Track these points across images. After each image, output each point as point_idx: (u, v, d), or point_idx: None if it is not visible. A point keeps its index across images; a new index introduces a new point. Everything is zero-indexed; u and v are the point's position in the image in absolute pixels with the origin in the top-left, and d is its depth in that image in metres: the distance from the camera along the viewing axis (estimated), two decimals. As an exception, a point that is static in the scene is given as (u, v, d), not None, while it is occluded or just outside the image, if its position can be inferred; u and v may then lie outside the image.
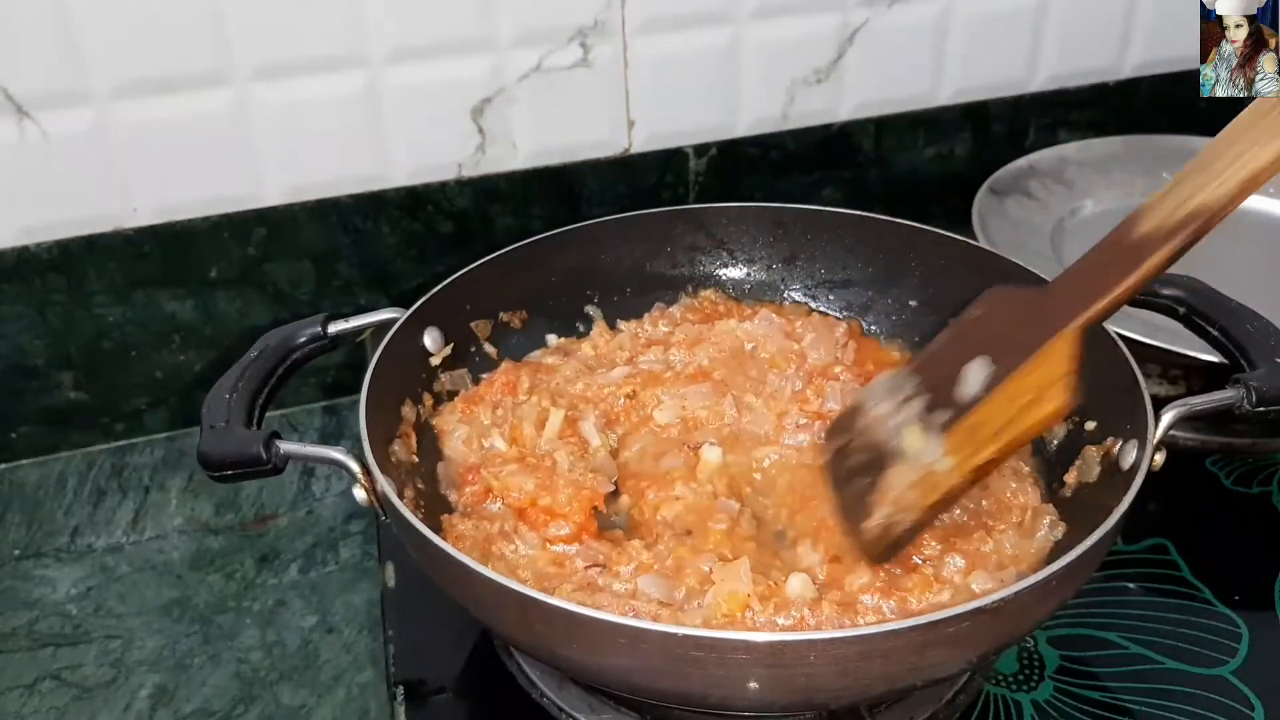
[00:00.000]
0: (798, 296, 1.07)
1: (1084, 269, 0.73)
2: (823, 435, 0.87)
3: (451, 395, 0.94)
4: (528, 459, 0.86)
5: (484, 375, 0.96)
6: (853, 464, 0.79)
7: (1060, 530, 0.81)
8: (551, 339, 1.02)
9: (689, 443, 0.89)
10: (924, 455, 0.73)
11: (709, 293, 1.06)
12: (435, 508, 0.85)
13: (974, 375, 0.72)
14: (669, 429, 0.91)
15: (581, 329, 1.03)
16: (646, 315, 1.04)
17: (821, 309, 1.06)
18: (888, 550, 0.76)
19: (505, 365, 0.97)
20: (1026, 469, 0.87)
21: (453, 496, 0.86)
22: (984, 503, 0.83)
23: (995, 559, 0.78)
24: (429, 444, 0.90)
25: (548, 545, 0.80)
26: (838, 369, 0.95)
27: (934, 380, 0.74)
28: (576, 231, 1.03)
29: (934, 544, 0.78)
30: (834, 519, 0.80)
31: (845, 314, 1.05)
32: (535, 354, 1.00)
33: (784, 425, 0.91)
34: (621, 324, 1.03)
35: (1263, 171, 0.65)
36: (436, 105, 1.08)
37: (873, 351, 1.01)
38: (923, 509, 0.74)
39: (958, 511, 0.81)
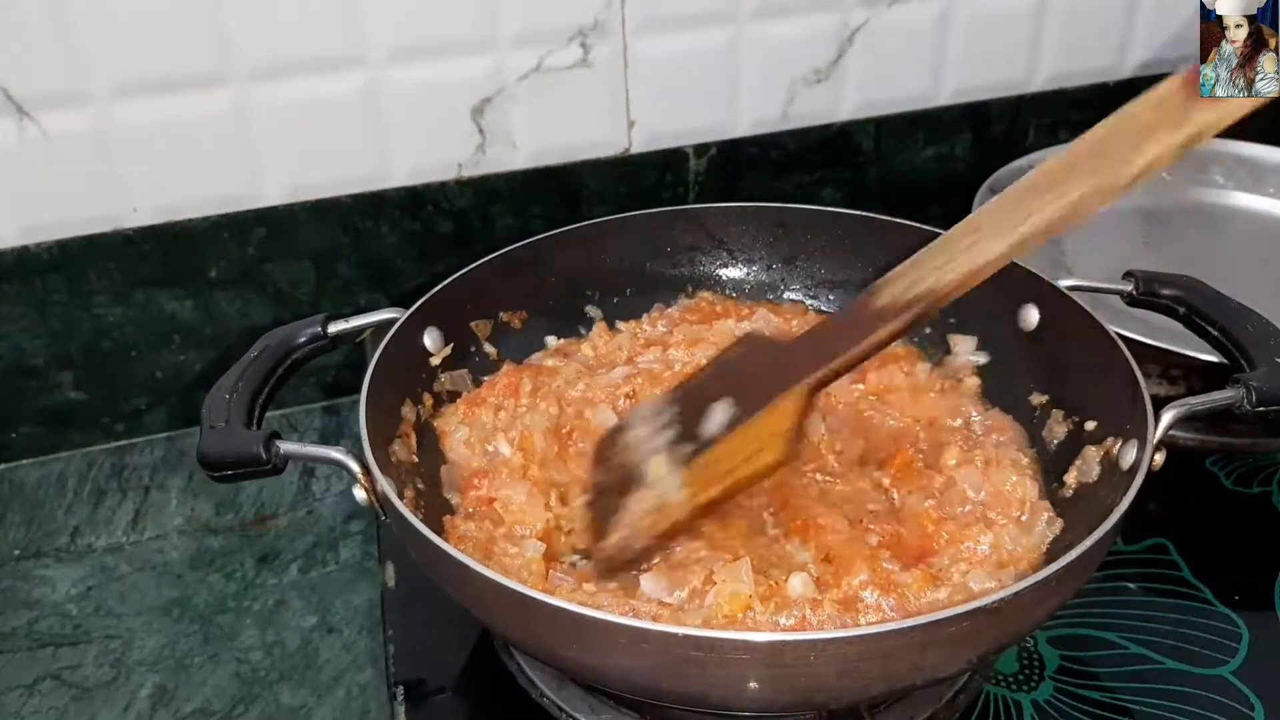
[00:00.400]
0: (798, 296, 1.07)
1: (824, 331, 0.77)
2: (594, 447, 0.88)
3: (452, 395, 0.94)
4: (531, 470, 0.86)
5: (484, 376, 0.96)
6: (607, 482, 0.81)
7: (1058, 526, 0.81)
8: (551, 340, 1.02)
9: None
10: (663, 484, 0.76)
11: (706, 294, 1.06)
12: (435, 508, 0.85)
13: (718, 414, 0.74)
14: None
15: (581, 329, 1.03)
16: (645, 316, 1.04)
17: (821, 308, 1.06)
18: (615, 570, 0.77)
19: (507, 368, 0.97)
20: (1025, 461, 0.87)
21: (455, 499, 0.86)
22: (983, 494, 0.83)
23: (995, 557, 0.78)
24: (429, 444, 0.90)
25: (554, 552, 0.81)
26: None
27: (686, 412, 0.77)
28: (576, 231, 1.03)
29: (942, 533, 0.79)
30: (822, 519, 0.81)
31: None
32: (535, 356, 1.00)
33: None
34: (620, 324, 1.03)
35: (982, 269, 0.68)
36: (436, 105, 1.08)
37: None
38: (652, 535, 0.76)
39: (960, 509, 0.82)
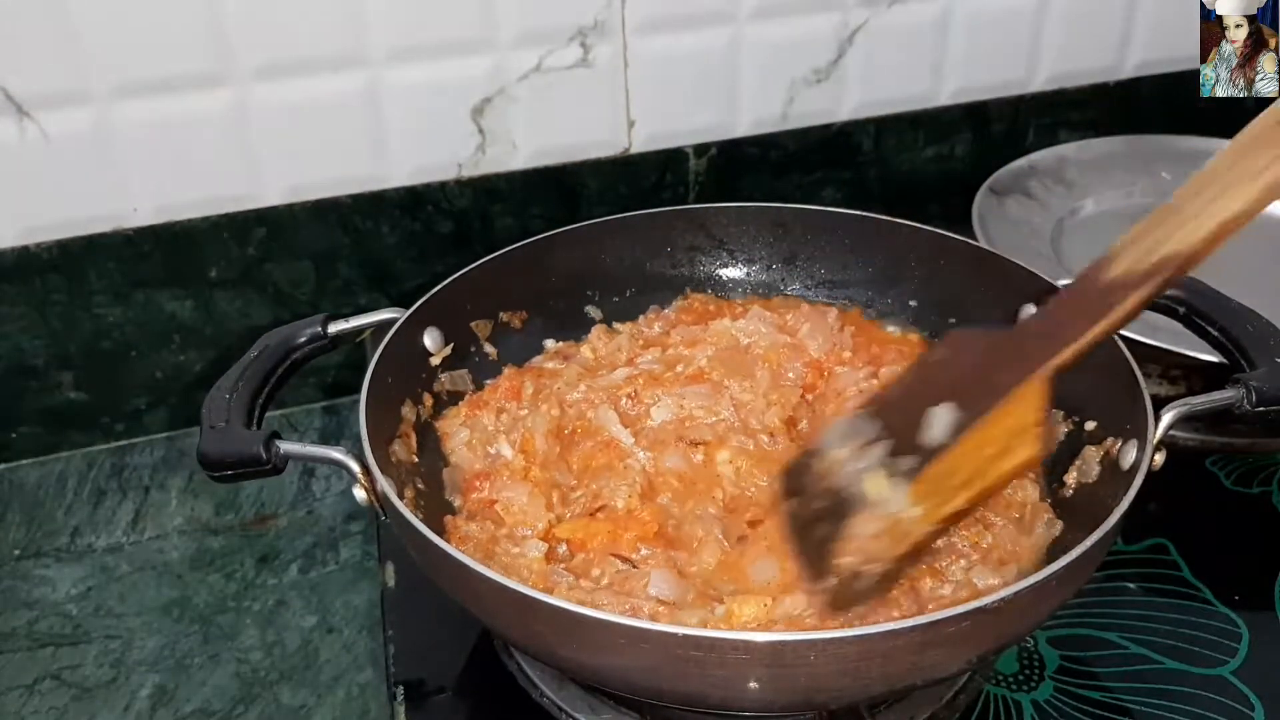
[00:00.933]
0: (798, 296, 1.07)
1: (1054, 312, 0.71)
2: (779, 479, 0.83)
3: (452, 395, 0.94)
4: (532, 472, 0.86)
5: (485, 376, 0.96)
6: (812, 511, 0.75)
7: (1057, 528, 0.81)
8: (550, 344, 1.02)
9: (685, 438, 0.89)
10: (890, 504, 0.70)
11: (698, 295, 1.06)
12: (435, 508, 0.85)
13: (940, 420, 0.69)
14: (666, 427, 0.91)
15: (582, 329, 1.03)
16: (642, 317, 1.04)
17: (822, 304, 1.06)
18: (851, 601, 0.72)
19: (508, 371, 0.97)
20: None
21: (456, 501, 0.86)
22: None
23: (996, 555, 0.78)
24: (430, 445, 0.90)
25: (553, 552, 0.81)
26: (845, 353, 0.97)
27: (896, 424, 0.71)
28: (576, 231, 1.02)
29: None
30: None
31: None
32: (535, 359, 1.00)
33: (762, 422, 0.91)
34: (619, 325, 1.03)
35: (1232, 221, 0.63)
36: (436, 105, 1.08)
37: (873, 333, 1.02)
38: (891, 559, 0.71)
39: None
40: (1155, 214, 0.65)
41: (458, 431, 0.90)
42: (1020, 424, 0.67)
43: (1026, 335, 0.70)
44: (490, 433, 0.90)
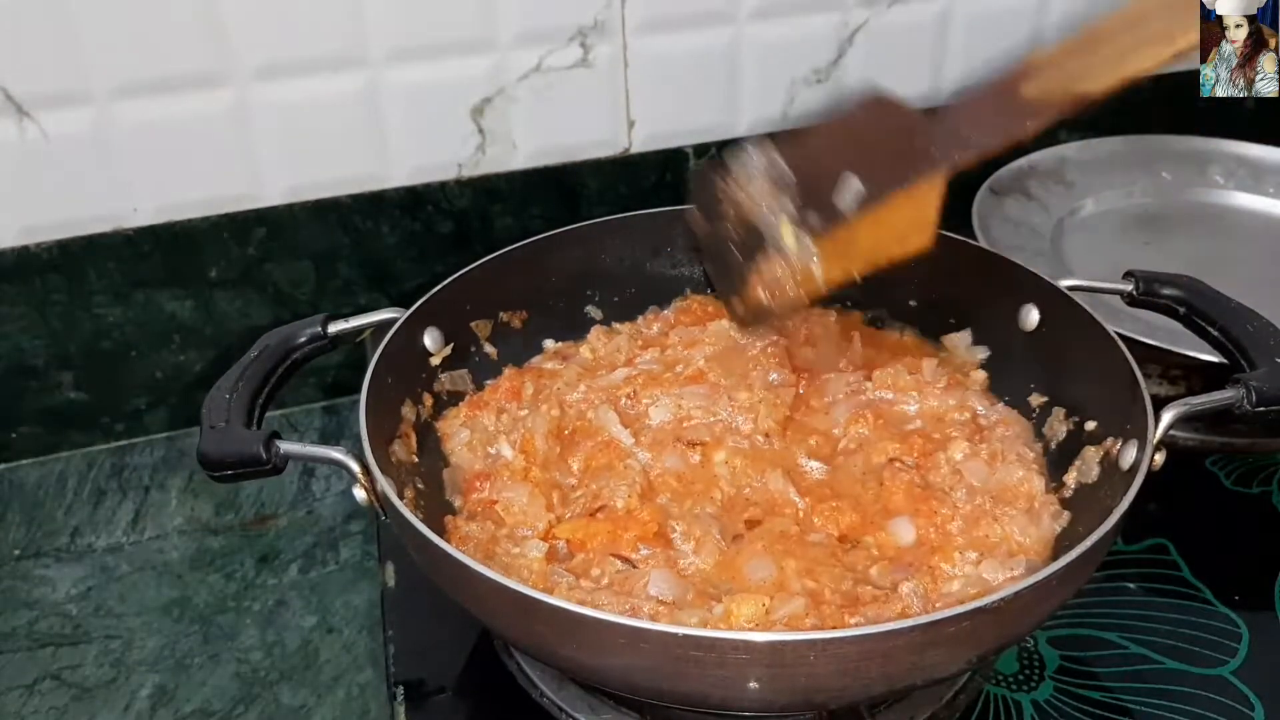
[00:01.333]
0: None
1: (965, 112, 0.73)
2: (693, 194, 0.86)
3: (452, 395, 0.94)
4: (533, 472, 0.86)
5: (485, 376, 0.96)
6: (727, 236, 0.79)
7: (1065, 519, 0.81)
8: (549, 344, 1.02)
9: (683, 438, 0.90)
10: (800, 255, 0.74)
11: (698, 296, 1.06)
12: (435, 508, 0.85)
13: (847, 187, 0.72)
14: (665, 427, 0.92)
15: (582, 329, 1.03)
16: (640, 318, 1.04)
17: (820, 308, 1.06)
18: (756, 320, 0.79)
19: (509, 371, 0.97)
20: (1031, 456, 0.87)
21: (457, 501, 0.86)
22: (990, 487, 0.83)
23: (1005, 547, 0.79)
24: (430, 445, 0.90)
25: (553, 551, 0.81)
26: (842, 364, 0.97)
27: (807, 175, 0.74)
28: (576, 231, 1.02)
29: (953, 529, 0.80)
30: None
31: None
32: (534, 360, 1.00)
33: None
34: (618, 326, 1.03)
35: (1140, 74, 0.67)
36: (436, 105, 1.08)
37: (871, 336, 1.02)
38: (794, 299, 0.76)
39: (968, 505, 0.82)
40: (1076, 41, 0.68)
41: (458, 432, 0.90)
42: (917, 217, 0.70)
43: (935, 128, 0.71)
44: (490, 433, 0.90)
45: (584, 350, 1.00)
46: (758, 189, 0.76)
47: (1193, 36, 0.64)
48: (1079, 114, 0.69)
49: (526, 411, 0.92)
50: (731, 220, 0.78)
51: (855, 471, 0.87)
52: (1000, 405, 0.93)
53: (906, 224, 0.70)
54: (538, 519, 0.82)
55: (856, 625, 0.71)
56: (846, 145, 0.73)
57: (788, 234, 0.74)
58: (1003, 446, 0.87)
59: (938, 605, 0.74)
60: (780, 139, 0.78)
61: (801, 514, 0.83)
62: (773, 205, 0.75)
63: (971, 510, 0.82)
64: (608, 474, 0.85)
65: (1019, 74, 0.68)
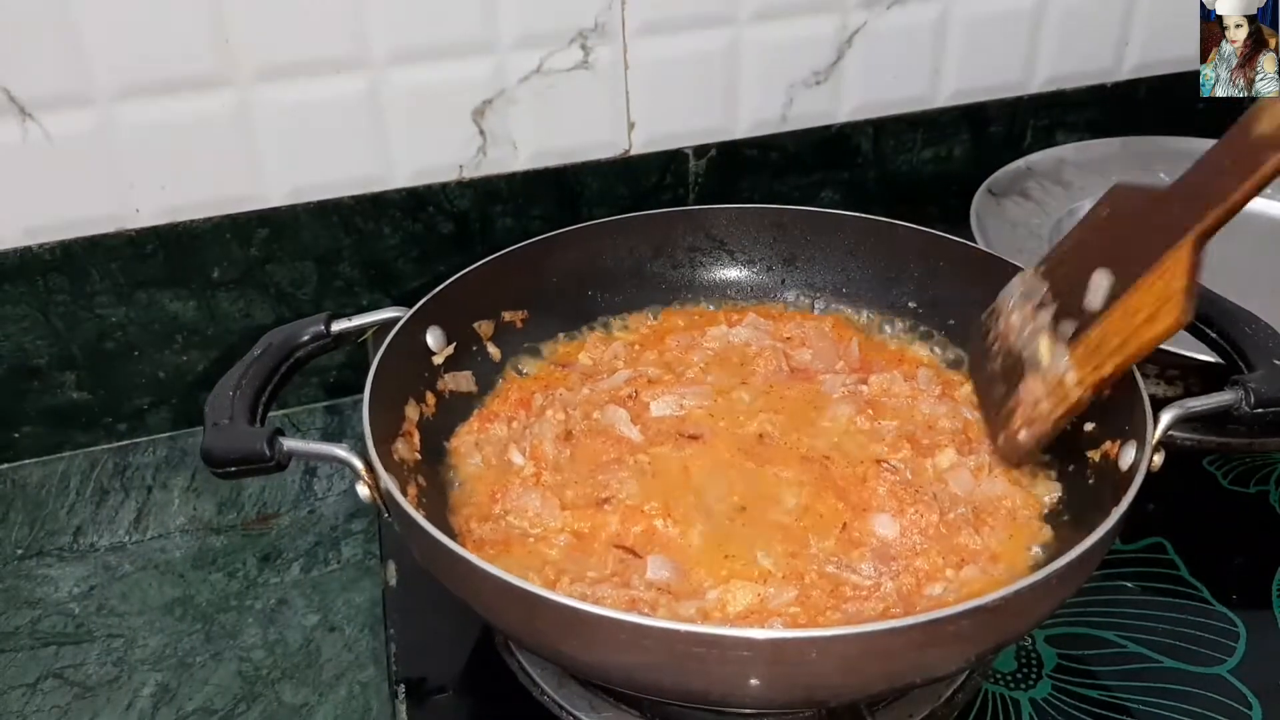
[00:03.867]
0: (797, 296, 1.07)
1: (1201, 172, 0.70)
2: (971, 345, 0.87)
3: (455, 395, 0.94)
4: (544, 477, 0.86)
5: (488, 375, 0.97)
6: (992, 369, 0.79)
7: (1046, 533, 0.82)
8: (546, 348, 1.02)
9: (685, 432, 0.90)
10: (1053, 367, 0.73)
11: (696, 304, 1.07)
12: (437, 505, 0.85)
13: (1097, 286, 0.70)
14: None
15: (583, 329, 1.03)
16: (639, 321, 1.05)
17: (819, 307, 1.06)
18: (1023, 459, 0.78)
19: (516, 381, 0.97)
20: (1016, 471, 0.87)
21: (470, 521, 0.86)
22: (973, 502, 0.84)
23: (986, 554, 0.80)
24: (433, 444, 0.90)
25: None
26: (839, 364, 0.98)
27: (1061, 286, 0.73)
28: (577, 232, 1.03)
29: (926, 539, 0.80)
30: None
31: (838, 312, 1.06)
32: (532, 368, 1.00)
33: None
34: (617, 331, 1.04)
35: None
36: (438, 107, 1.09)
37: (868, 342, 1.03)
38: (1052, 420, 0.74)
39: (951, 513, 0.82)
40: None
41: (471, 454, 0.90)
42: (1166, 291, 0.67)
43: (1177, 197, 0.69)
44: (503, 442, 0.90)
45: (582, 356, 1.00)
46: (1018, 314, 0.76)
47: None
48: None
49: (535, 419, 0.92)
50: (999, 355, 0.78)
51: (845, 469, 0.87)
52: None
53: (1156, 302, 0.68)
54: (551, 519, 0.83)
55: (856, 625, 0.71)
56: (1097, 245, 0.72)
57: (1043, 348, 0.73)
58: (991, 460, 0.87)
59: (918, 607, 0.75)
60: (1043, 261, 0.77)
61: (794, 506, 0.84)
62: (1031, 325, 0.75)
63: (954, 519, 0.82)
64: (616, 467, 0.86)
65: (1245, 123, 0.66)
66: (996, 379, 0.79)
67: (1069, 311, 0.71)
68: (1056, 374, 0.73)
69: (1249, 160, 0.64)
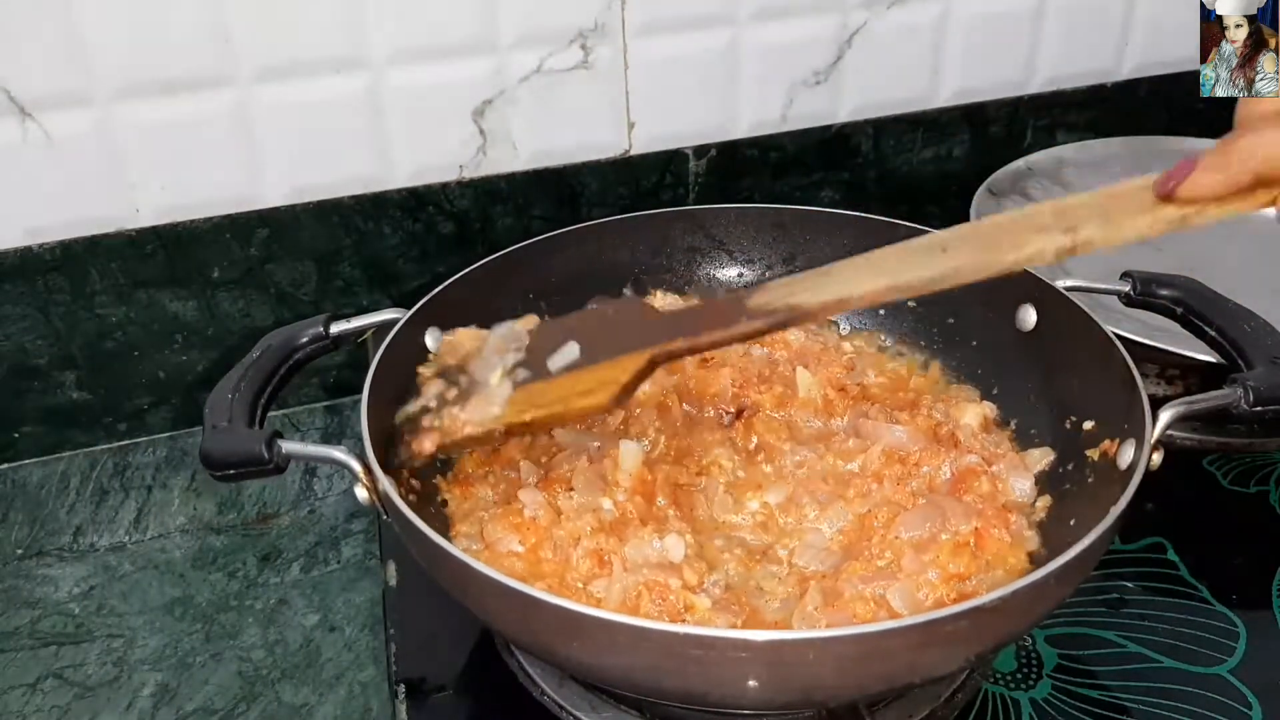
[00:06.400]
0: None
1: (695, 311, 0.81)
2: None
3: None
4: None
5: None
6: (453, 370, 0.82)
7: (1036, 542, 0.82)
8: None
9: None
10: (493, 395, 0.79)
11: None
12: (435, 506, 0.85)
13: (564, 355, 0.78)
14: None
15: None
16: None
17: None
18: (410, 460, 0.80)
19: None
20: (1022, 464, 0.87)
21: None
22: (972, 498, 0.84)
23: (985, 559, 0.79)
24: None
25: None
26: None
27: (539, 344, 0.80)
28: (577, 232, 1.03)
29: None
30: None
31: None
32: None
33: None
34: None
35: (855, 299, 0.72)
36: (438, 107, 1.09)
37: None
38: (460, 436, 0.79)
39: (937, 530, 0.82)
40: (809, 272, 0.74)
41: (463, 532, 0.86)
42: (610, 377, 0.75)
43: (666, 322, 0.78)
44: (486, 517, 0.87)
45: None
46: (493, 348, 0.81)
47: (895, 281, 0.71)
48: (788, 326, 0.77)
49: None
50: (454, 378, 0.82)
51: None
52: (991, 436, 0.93)
53: (598, 384, 0.75)
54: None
55: (855, 625, 0.71)
56: (586, 328, 0.79)
57: (495, 378, 0.79)
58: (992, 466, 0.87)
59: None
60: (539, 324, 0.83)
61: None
62: (496, 358, 0.81)
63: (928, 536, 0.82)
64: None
65: (752, 290, 0.75)
66: (452, 378, 0.83)
67: (530, 364, 0.79)
68: (489, 401, 0.78)
69: (728, 319, 0.74)
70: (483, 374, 0.80)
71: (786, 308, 0.73)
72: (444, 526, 0.84)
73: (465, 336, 0.84)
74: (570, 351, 0.77)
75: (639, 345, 0.75)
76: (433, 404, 0.81)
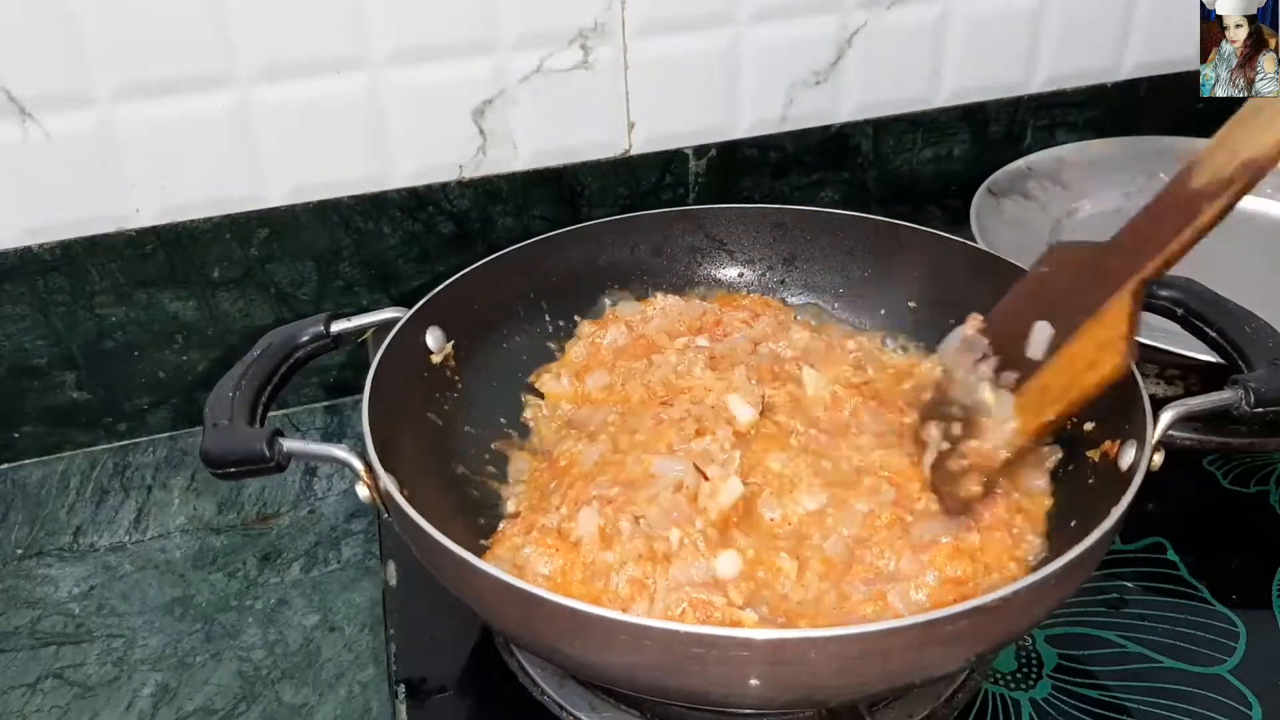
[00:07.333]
0: (796, 297, 1.07)
1: (1140, 224, 0.72)
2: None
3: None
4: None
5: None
6: (940, 425, 0.80)
7: (1040, 548, 0.82)
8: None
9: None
10: (999, 414, 0.75)
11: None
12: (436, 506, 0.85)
13: (1038, 337, 0.72)
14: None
15: (583, 328, 1.03)
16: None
17: (821, 306, 1.07)
18: (964, 506, 0.78)
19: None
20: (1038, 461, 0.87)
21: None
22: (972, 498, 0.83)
23: (984, 562, 0.79)
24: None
25: None
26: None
27: (1002, 340, 0.75)
28: (577, 232, 1.03)
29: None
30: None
31: (839, 312, 1.06)
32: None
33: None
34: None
35: None
36: (438, 107, 1.09)
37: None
38: (992, 469, 0.76)
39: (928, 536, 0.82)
40: (1227, 128, 0.65)
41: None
42: (1107, 338, 0.69)
43: (1115, 250, 0.71)
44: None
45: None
46: (960, 369, 0.78)
47: None
48: (1252, 188, 0.66)
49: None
50: (947, 412, 0.79)
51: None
52: None
53: (1097, 350, 0.70)
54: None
55: (855, 625, 0.71)
56: (1036, 299, 0.74)
57: (988, 396, 0.75)
58: None
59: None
60: (985, 318, 0.79)
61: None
62: (973, 376, 0.77)
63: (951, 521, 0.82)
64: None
65: (1183, 174, 0.68)
66: (945, 434, 0.80)
67: (1011, 363, 0.74)
68: (1001, 420, 0.75)
69: (1187, 211, 0.66)
70: (971, 396, 0.76)
71: (1241, 166, 0.64)
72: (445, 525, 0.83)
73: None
74: (1042, 332, 0.72)
75: (1109, 286, 0.68)
76: (944, 446, 0.78)
